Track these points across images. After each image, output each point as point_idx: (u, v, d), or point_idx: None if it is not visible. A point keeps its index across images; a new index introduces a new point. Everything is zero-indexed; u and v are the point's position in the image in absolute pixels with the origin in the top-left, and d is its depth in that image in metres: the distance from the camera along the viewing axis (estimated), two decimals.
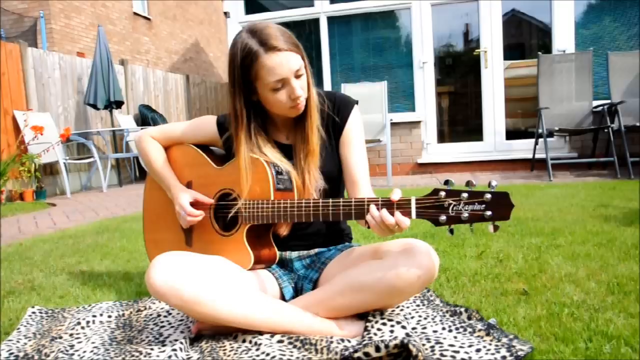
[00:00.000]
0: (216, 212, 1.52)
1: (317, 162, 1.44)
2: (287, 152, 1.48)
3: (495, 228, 1.13)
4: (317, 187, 1.44)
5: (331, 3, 6.08)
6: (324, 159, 1.47)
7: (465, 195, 1.13)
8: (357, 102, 1.54)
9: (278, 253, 1.49)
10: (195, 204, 1.51)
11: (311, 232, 1.51)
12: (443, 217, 1.15)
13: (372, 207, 1.21)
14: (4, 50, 5.75)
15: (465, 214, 1.14)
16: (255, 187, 1.39)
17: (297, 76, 1.35)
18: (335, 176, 1.50)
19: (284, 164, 1.44)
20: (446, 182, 1.16)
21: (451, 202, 1.15)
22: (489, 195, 1.11)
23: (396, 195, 1.19)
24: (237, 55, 1.34)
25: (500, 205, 1.11)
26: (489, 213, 1.11)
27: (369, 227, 1.27)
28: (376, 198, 1.22)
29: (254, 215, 1.39)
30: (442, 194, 1.15)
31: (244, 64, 1.34)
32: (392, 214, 1.18)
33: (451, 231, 1.18)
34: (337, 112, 1.49)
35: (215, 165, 1.54)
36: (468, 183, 1.15)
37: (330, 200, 1.28)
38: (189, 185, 1.59)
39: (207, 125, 1.60)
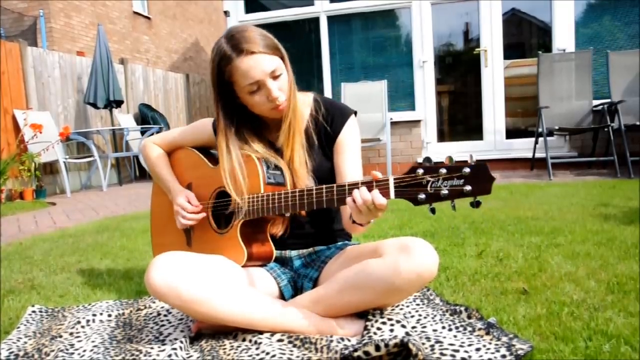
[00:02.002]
0: (214, 211, 1.53)
1: (301, 162, 1.44)
2: (280, 153, 1.49)
3: (477, 204, 1.09)
4: (306, 187, 1.43)
5: (331, 2, 6.07)
6: (317, 163, 1.48)
7: (443, 171, 1.09)
8: (355, 112, 1.52)
9: (277, 252, 1.49)
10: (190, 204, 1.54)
11: (310, 230, 1.51)
12: (422, 196, 1.11)
13: (354, 191, 1.19)
14: (3, 49, 5.75)
15: (445, 191, 1.09)
16: (247, 183, 1.40)
17: (274, 77, 1.35)
18: (327, 179, 1.49)
19: (275, 161, 1.45)
20: (425, 159, 1.13)
21: (429, 179, 1.11)
22: (467, 169, 1.07)
23: (377, 174, 1.19)
24: (214, 61, 1.37)
25: (480, 179, 1.07)
26: (468, 188, 1.07)
27: (353, 221, 1.26)
28: (356, 181, 1.21)
29: (246, 210, 1.40)
30: (420, 171, 1.11)
31: (220, 69, 1.36)
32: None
33: (432, 210, 1.13)
34: (331, 120, 1.49)
35: (212, 165, 1.56)
36: (449, 159, 1.11)
37: (314, 188, 1.29)
38: (189, 186, 1.62)
39: (203, 128, 1.63)
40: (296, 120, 1.44)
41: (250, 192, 1.40)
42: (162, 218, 1.73)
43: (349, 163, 1.48)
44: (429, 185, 1.11)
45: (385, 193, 1.16)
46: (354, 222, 1.27)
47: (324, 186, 1.27)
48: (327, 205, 1.27)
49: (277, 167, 1.44)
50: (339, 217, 1.60)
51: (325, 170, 1.49)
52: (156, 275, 1.23)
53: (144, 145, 1.72)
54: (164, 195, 1.69)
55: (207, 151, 1.65)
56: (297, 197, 1.31)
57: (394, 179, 1.16)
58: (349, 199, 1.20)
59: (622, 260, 1.86)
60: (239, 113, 1.45)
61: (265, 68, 1.33)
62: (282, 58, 1.38)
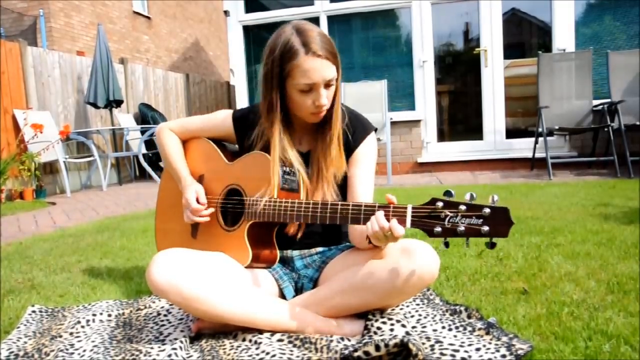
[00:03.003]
0: (223, 207, 1.53)
1: (334, 172, 1.43)
2: (302, 158, 1.48)
3: (492, 245, 1.09)
4: (330, 198, 1.43)
5: (331, 2, 6.07)
6: None
7: (463, 207, 1.10)
8: (375, 129, 1.53)
9: (279, 253, 1.49)
10: (198, 201, 1.53)
11: (313, 231, 1.51)
12: (438, 229, 1.12)
13: (371, 219, 1.19)
14: (3, 49, 5.74)
15: (462, 227, 1.10)
16: (260, 184, 1.40)
17: (327, 85, 1.36)
18: (340, 187, 1.48)
19: (300, 167, 1.44)
20: (446, 193, 1.13)
21: (448, 213, 1.11)
22: (487, 210, 1.08)
23: (393, 199, 1.19)
24: (277, 48, 1.35)
25: (498, 222, 1.07)
26: (486, 228, 1.08)
27: (369, 242, 1.27)
28: (374, 203, 1.22)
29: (256, 213, 1.39)
30: (440, 204, 1.12)
31: (282, 59, 1.34)
32: (387, 219, 1.17)
33: (446, 244, 1.14)
34: (353, 131, 1.49)
35: (227, 160, 1.55)
36: (470, 196, 1.11)
37: (329, 203, 1.28)
38: (201, 178, 1.61)
39: (222, 120, 1.61)
40: (336, 130, 1.43)
41: (263, 195, 1.39)
42: (169, 204, 1.72)
43: (363, 178, 1.47)
44: (446, 220, 1.12)
45: (401, 221, 1.15)
46: (370, 242, 1.27)
47: (339, 203, 1.27)
48: (340, 222, 1.27)
49: (292, 173, 1.43)
50: None
51: (340, 179, 1.49)
52: (157, 271, 1.23)
53: (160, 129, 1.69)
54: (174, 181, 1.67)
55: (224, 145, 1.64)
56: (311, 209, 1.31)
57: (413, 208, 1.16)
58: (368, 224, 1.19)
59: (622, 260, 1.86)
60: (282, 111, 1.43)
61: (325, 75, 1.33)
62: (338, 69, 1.38)
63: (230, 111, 1.61)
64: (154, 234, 1.80)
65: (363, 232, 1.32)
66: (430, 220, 1.13)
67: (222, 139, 1.64)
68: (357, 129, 1.50)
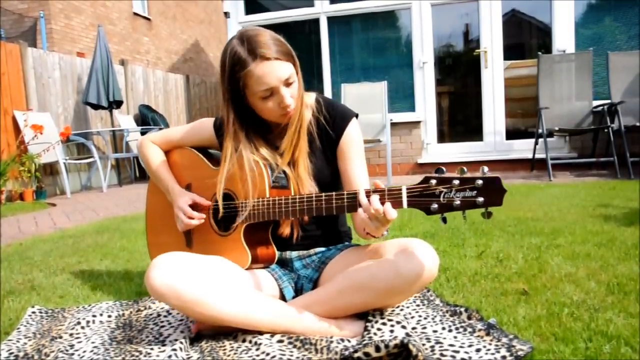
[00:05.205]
0: (215, 213, 1.53)
1: (305, 167, 1.43)
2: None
3: (488, 215, 1.11)
4: (309, 192, 1.43)
5: (331, 3, 6.07)
6: (317, 167, 1.47)
7: (456, 182, 1.11)
8: (356, 115, 1.51)
9: (278, 253, 1.49)
10: (193, 207, 1.53)
11: (311, 232, 1.51)
12: (435, 206, 1.13)
13: (362, 196, 1.19)
14: (4, 50, 5.75)
15: (457, 201, 1.11)
16: (253, 186, 1.39)
17: (287, 84, 1.35)
18: (327, 184, 1.48)
19: (279, 164, 1.44)
20: (437, 170, 1.14)
21: (442, 189, 1.12)
22: (480, 181, 1.09)
23: (381, 184, 1.19)
24: (226, 63, 1.35)
25: (492, 191, 1.09)
26: (480, 199, 1.09)
27: (366, 234, 1.27)
28: (368, 190, 1.21)
29: (251, 214, 1.39)
30: (433, 182, 1.13)
31: (233, 72, 1.33)
32: (382, 203, 1.16)
33: (444, 220, 1.15)
34: (333, 123, 1.47)
35: (213, 166, 1.55)
36: (460, 170, 1.13)
37: (324, 194, 1.29)
38: (188, 187, 1.60)
39: (204, 127, 1.61)
40: (302, 125, 1.44)
41: (255, 196, 1.39)
42: (159, 217, 1.72)
43: (356, 167, 1.46)
44: (441, 196, 1.12)
45: (397, 203, 1.16)
46: (367, 233, 1.28)
47: (334, 193, 1.27)
48: (336, 212, 1.27)
49: (280, 171, 1.43)
50: (342, 219, 1.60)
51: (326, 175, 1.48)
52: (156, 275, 1.23)
53: (142, 143, 1.70)
54: (161, 194, 1.67)
55: (207, 152, 1.64)
56: (306, 202, 1.31)
57: (407, 188, 1.16)
58: (360, 210, 1.19)
59: (622, 261, 1.86)
60: (247, 117, 1.44)
61: (280, 75, 1.32)
62: (295, 65, 1.37)
63: (211, 119, 1.61)
64: (147, 249, 1.79)
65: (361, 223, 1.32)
66: (425, 199, 1.14)
67: (205, 146, 1.63)
68: (337, 118, 1.47)
